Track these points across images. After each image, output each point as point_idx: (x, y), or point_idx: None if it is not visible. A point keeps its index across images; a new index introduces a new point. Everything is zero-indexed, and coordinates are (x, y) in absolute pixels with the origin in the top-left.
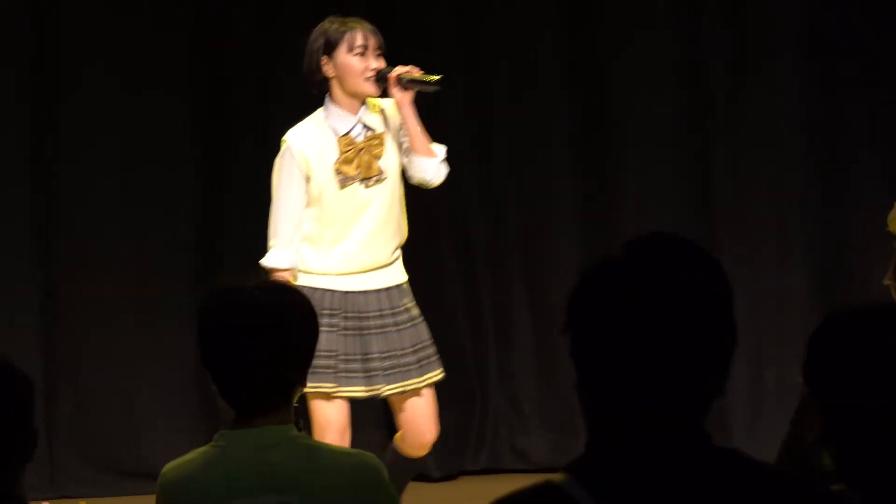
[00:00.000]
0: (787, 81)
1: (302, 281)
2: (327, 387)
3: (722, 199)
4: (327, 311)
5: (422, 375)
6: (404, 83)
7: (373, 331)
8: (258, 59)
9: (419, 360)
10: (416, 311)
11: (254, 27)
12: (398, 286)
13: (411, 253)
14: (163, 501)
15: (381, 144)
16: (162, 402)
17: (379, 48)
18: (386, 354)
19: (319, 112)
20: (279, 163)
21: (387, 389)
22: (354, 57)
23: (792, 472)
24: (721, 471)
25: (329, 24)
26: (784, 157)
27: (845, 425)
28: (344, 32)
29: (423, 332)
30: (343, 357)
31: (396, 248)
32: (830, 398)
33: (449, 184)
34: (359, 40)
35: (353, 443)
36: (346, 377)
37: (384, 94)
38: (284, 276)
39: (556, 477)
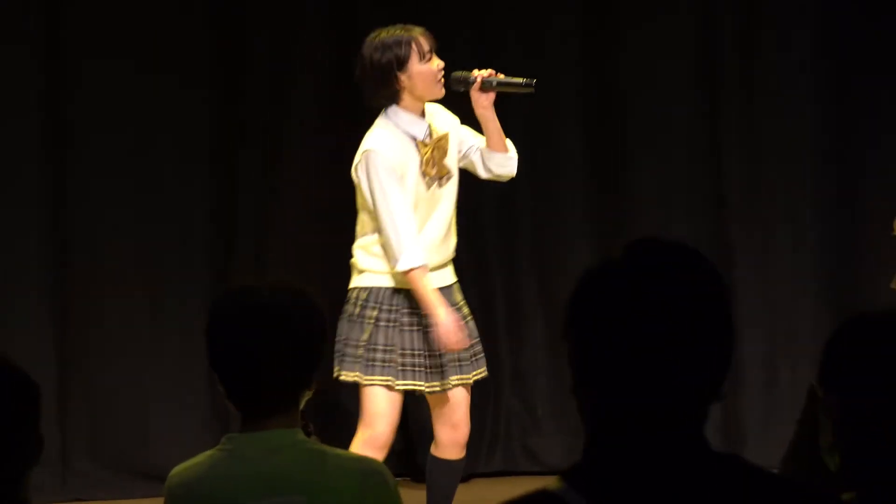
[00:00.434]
0: (799, 81)
1: (366, 281)
2: (387, 380)
3: (734, 200)
4: (387, 307)
5: (476, 370)
6: (493, 86)
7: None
8: (273, 56)
9: (473, 356)
10: (466, 309)
11: (268, 23)
12: (456, 283)
13: None
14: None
15: (447, 143)
16: (174, 405)
17: (435, 50)
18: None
19: (386, 120)
20: (370, 171)
21: (452, 381)
22: (425, 64)
23: (792, 477)
24: (719, 476)
25: (388, 36)
26: (796, 157)
27: (857, 429)
28: (410, 43)
29: (474, 329)
30: (401, 352)
31: (454, 246)
32: (845, 401)
33: (460, 182)
34: (426, 46)
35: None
36: (407, 371)
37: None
38: (422, 274)
39: (553, 484)
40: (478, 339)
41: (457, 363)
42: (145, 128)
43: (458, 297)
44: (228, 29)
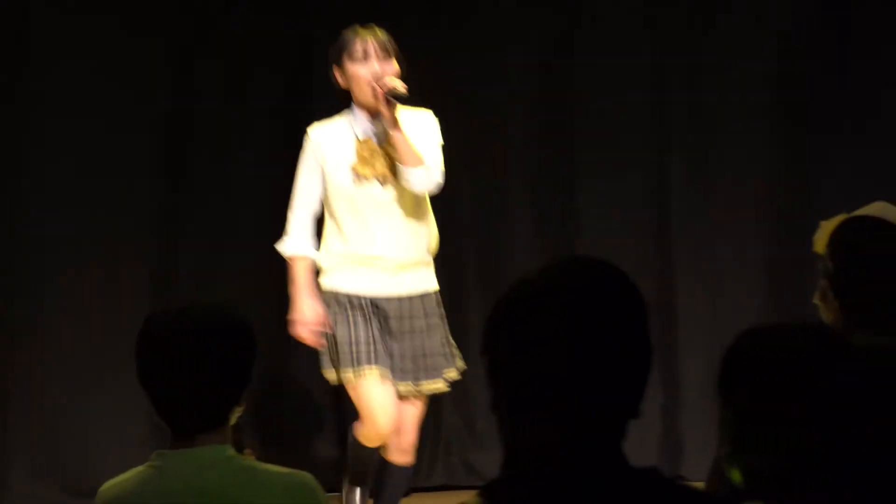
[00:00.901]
0: (752, 95)
1: (330, 282)
2: (359, 369)
3: (678, 219)
4: (345, 306)
5: (428, 380)
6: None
7: (400, 333)
8: (225, 53)
9: (426, 368)
10: (422, 323)
11: (219, 18)
12: (420, 296)
13: None
14: None
15: (391, 150)
16: (116, 423)
17: (385, 53)
18: (410, 356)
19: (347, 112)
20: (301, 154)
21: (400, 388)
22: (357, 66)
23: (709, 492)
24: (636, 491)
25: (343, 34)
26: (743, 174)
27: (753, 440)
28: (345, 43)
29: (434, 342)
30: (365, 343)
31: (425, 249)
32: (739, 412)
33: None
34: (358, 49)
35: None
36: (374, 356)
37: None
38: (297, 263)
39: (471, 500)
40: (438, 353)
41: (408, 372)
42: (91, 140)
43: (416, 309)
44: (185, 29)
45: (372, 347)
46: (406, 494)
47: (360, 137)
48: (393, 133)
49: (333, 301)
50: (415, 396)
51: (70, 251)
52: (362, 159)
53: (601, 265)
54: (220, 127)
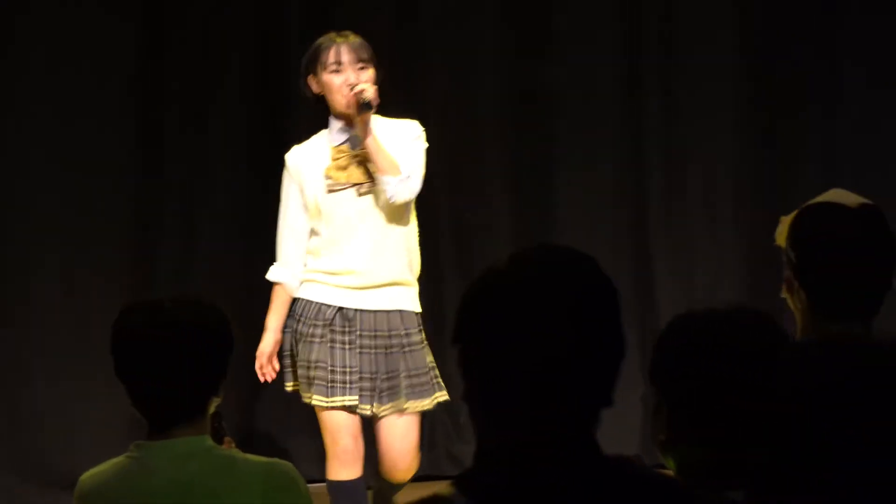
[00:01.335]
0: (724, 84)
1: (302, 292)
2: (321, 399)
3: (655, 212)
4: (321, 324)
5: (409, 400)
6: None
7: (370, 350)
8: (203, 47)
9: (410, 387)
10: (404, 340)
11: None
12: (402, 312)
13: None
14: None
15: (365, 159)
16: (99, 417)
17: (360, 60)
18: (374, 375)
19: (324, 130)
20: (282, 182)
21: (382, 409)
22: (331, 74)
23: (682, 481)
24: (610, 480)
25: (317, 42)
26: (717, 163)
27: (686, 429)
28: (320, 51)
29: (416, 360)
30: (333, 369)
31: (403, 269)
32: (672, 400)
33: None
34: (331, 57)
35: None
36: (342, 387)
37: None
38: (282, 291)
39: (444, 489)
40: (421, 370)
41: (385, 392)
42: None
43: (395, 324)
44: (158, 21)
45: (346, 377)
46: None
47: (335, 145)
48: (366, 141)
49: (303, 315)
50: (398, 413)
51: (49, 246)
52: (336, 164)
53: (570, 253)
54: (195, 119)
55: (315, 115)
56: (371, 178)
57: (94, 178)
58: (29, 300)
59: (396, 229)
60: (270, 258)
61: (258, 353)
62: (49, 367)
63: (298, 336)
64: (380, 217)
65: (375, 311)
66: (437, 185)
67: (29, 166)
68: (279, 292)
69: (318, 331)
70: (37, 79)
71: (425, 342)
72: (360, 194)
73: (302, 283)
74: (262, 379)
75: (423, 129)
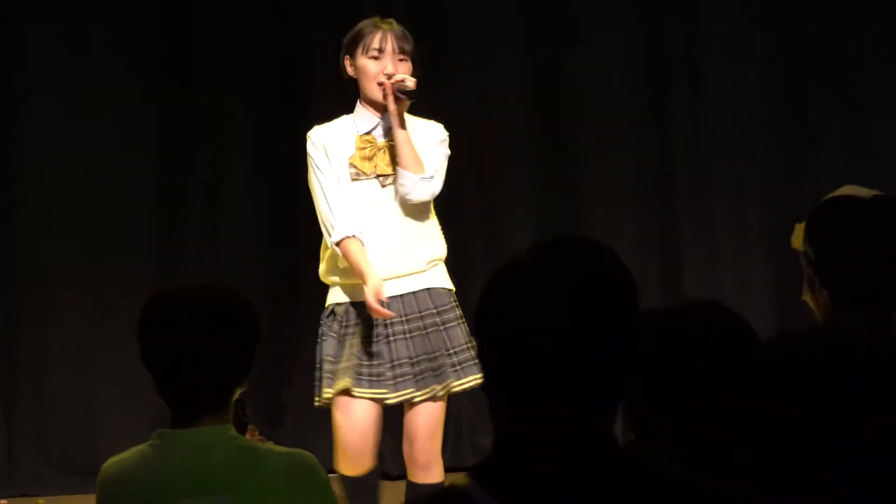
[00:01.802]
0: (748, 81)
1: (329, 299)
2: (339, 387)
3: (681, 204)
4: (342, 322)
5: (435, 384)
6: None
7: (403, 336)
8: (221, 45)
9: (434, 370)
10: (451, 315)
11: (216, 13)
12: (424, 290)
13: None
14: (101, 495)
15: (390, 151)
16: (121, 403)
17: (401, 52)
18: (415, 359)
19: (347, 115)
20: (307, 152)
21: (418, 395)
22: (370, 60)
23: (699, 476)
24: (627, 474)
25: (361, 25)
26: (744, 158)
27: (654, 427)
28: (363, 34)
29: (441, 341)
30: (358, 361)
31: (427, 256)
32: (640, 396)
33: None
34: (374, 43)
35: None
36: (368, 380)
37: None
38: (355, 244)
39: (460, 480)
40: (446, 351)
41: (410, 377)
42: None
43: (424, 304)
44: (177, 16)
45: (361, 368)
46: None
47: (361, 133)
48: (397, 130)
49: (334, 316)
50: (430, 401)
51: (72, 241)
52: (362, 154)
53: (590, 244)
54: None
55: (343, 99)
56: (392, 169)
57: (116, 174)
58: (54, 288)
59: (417, 221)
60: (293, 255)
61: (374, 294)
62: (73, 353)
63: (324, 338)
64: (404, 207)
65: (402, 295)
66: (461, 184)
67: (48, 163)
68: (352, 245)
69: (335, 327)
70: (55, 78)
71: (462, 318)
72: (384, 186)
73: (330, 289)
74: (385, 316)
75: (448, 133)
